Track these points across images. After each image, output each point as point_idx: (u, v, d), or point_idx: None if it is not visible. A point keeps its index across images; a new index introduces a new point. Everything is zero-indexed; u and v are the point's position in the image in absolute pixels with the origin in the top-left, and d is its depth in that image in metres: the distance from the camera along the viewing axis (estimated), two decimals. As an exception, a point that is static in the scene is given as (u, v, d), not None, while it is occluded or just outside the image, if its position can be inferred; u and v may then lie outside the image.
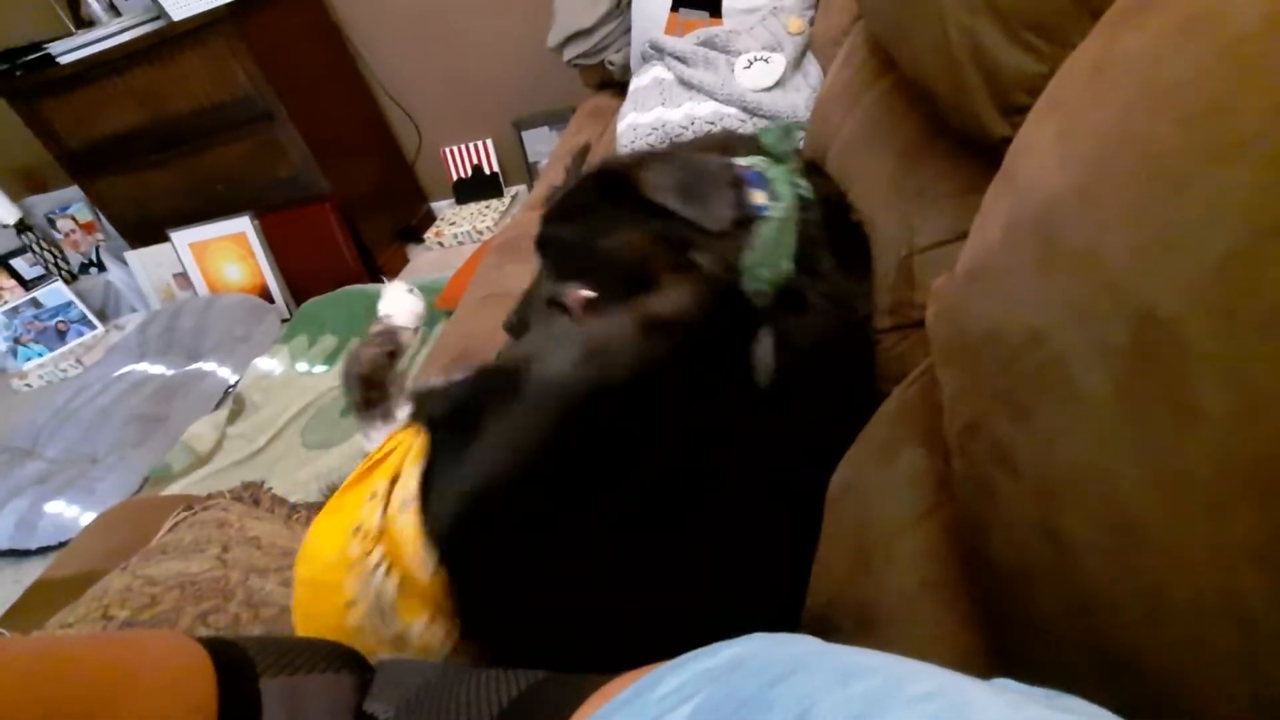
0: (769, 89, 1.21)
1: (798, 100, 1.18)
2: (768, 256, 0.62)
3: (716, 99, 1.23)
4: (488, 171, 2.57)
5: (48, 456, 2.03)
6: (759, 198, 0.65)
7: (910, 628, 0.46)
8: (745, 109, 1.20)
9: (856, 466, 0.57)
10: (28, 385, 2.61)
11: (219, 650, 0.39)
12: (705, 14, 1.39)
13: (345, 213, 2.34)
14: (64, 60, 2.13)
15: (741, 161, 0.70)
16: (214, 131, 2.21)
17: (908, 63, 0.66)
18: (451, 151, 2.56)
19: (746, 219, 0.63)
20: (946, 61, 0.54)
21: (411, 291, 0.75)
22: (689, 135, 1.22)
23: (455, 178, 2.60)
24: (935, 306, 0.43)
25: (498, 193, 2.59)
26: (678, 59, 1.32)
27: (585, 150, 1.17)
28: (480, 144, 2.54)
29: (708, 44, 1.31)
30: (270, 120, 2.16)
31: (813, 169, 0.76)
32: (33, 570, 1.77)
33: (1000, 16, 0.47)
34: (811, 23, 1.30)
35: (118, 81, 2.15)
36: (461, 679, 0.39)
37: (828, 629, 0.55)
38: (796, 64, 1.24)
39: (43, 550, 1.79)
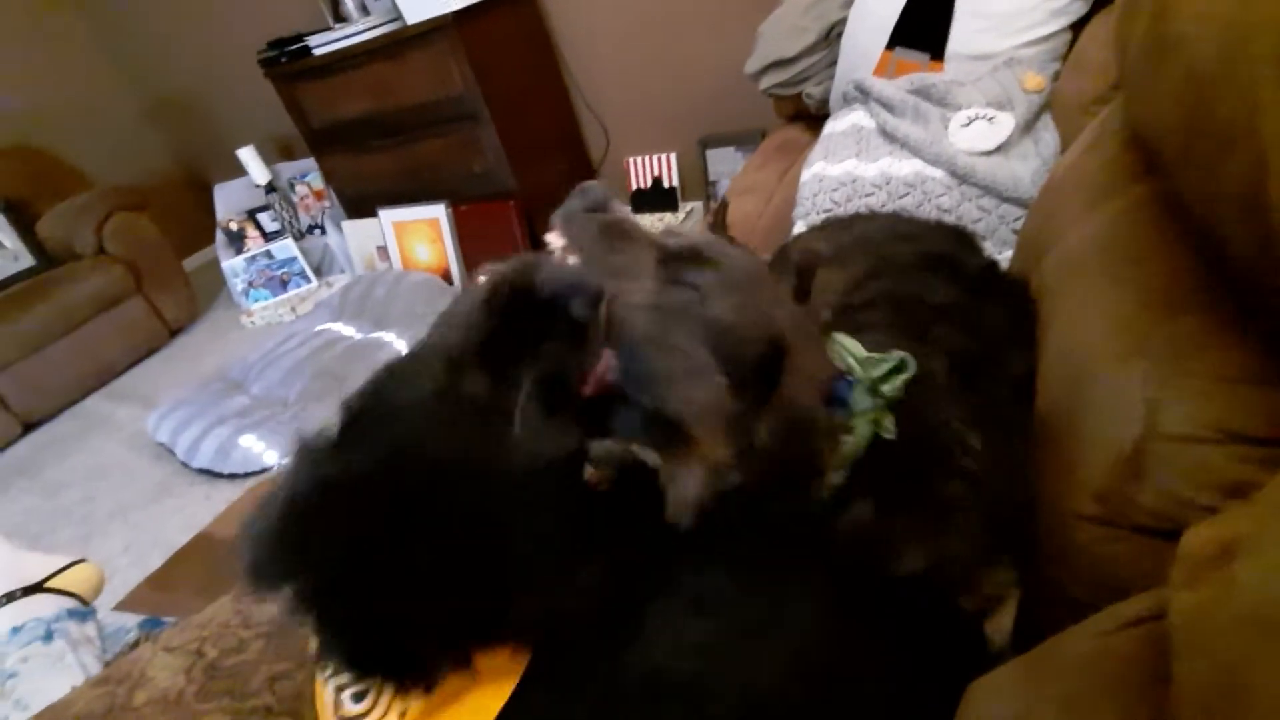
0: (988, 153, 1.04)
1: (1022, 172, 1.00)
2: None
3: (922, 157, 1.08)
4: (666, 185, 2.56)
5: (252, 393, 2.33)
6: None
7: None
8: (954, 174, 1.05)
9: (1021, 714, 0.45)
10: (252, 323, 3.04)
11: None
12: (925, 57, 1.23)
13: (526, 210, 2.43)
14: (318, 51, 2.43)
15: (840, 365, 0.58)
16: (426, 125, 2.41)
17: (1188, 185, 0.51)
18: (635, 162, 2.57)
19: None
20: (1255, 214, 0.39)
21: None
22: (880, 197, 1.09)
23: (635, 187, 2.61)
24: (1193, 594, 0.31)
25: (673, 207, 2.57)
26: (883, 105, 1.18)
27: (724, 207, 1.16)
28: (664, 157, 2.52)
29: (922, 92, 1.16)
30: (474, 119, 2.30)
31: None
32: (222, 491, 2.04)
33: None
34: (1055, 78, 1.10)
35: (357, 74, 2.41)
36: None
37: None
38: (1028, 127, 1.05)
39: (232, 476, 2.06)
